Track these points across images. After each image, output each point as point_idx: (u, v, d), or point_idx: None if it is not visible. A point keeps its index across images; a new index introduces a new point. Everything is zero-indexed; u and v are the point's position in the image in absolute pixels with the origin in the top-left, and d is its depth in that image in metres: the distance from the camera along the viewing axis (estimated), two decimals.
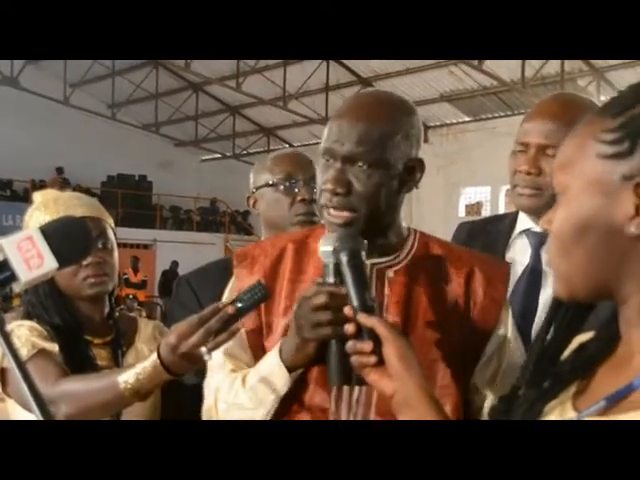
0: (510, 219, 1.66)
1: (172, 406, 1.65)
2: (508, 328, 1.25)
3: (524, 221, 1.60)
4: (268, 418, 1.18)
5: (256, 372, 1.21)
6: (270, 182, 1.79)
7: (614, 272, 0.71)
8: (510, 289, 1.56)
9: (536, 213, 1.51)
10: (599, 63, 12.14)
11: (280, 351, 1.17)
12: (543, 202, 1.46)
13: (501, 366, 1.23)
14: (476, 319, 1.23)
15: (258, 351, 1.24)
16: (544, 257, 1.53)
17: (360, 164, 1.17)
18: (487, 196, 15.33)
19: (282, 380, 1.17)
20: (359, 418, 1.16)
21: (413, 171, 1.22)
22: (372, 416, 1.16)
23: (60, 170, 17.37)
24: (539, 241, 1.55)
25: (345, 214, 1.18)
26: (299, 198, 1.75)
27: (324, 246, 1.12)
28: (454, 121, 15.58)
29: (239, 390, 1.21)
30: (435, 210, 14.91)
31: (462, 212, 15.29)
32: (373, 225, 1.20)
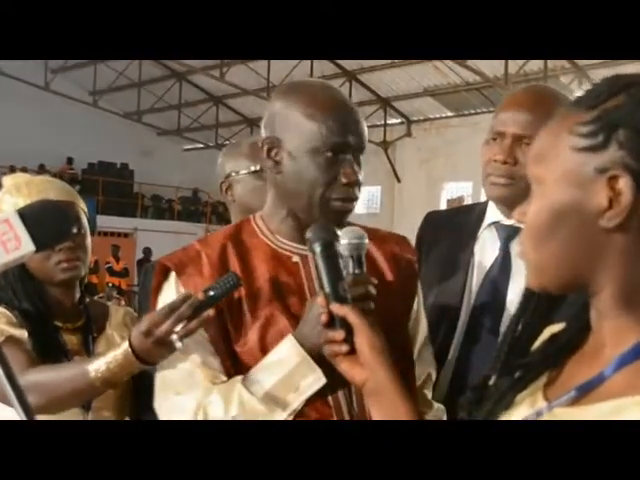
0: (479, 210, 1.64)
1: (142, 396, 1.64)
2: (420, 298, 1.41)
3: (493, 213, 1.58)
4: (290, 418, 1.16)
5: (265, 374, 1.17)
6: (252, 169, 1.77)
7: (587, 264, 0.71)
8: (479, 281, 1.57)
9: (509, 204, 1.49)
10: (581, 61, 12.24)
11: (302, 347, 1.15)
12: (516, 192, 1.44)
13: (418, 319, 1.39)
14: (401, 292, 1.34)
15: (225, 357, 1.21)
16: (513, 250, 1.52)
17: (359, 153, 1.25)
18: (469, 191, 15.41)
19: (312, 375, 1.15)
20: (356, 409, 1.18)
21: None
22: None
23: (70, 160, 17.22)
24: (508, 234, 1.54)
25: (355, 203, 1.26)
26: None
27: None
28: (437, 116, 15.63)
29: (246, 398, 1.15)
30: (417, 204, 14.96)
31: (444, 206, 15.36)
32: None
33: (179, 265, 1.25)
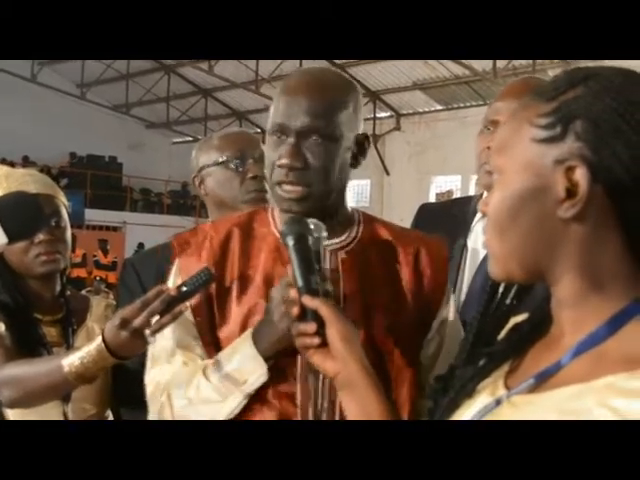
0: (474, 203, 1.64)
1: (121, 389, 1.65)
2: (450, 308, 1.30)
3: None
4: (237, 410, 1.16)
5: (223, 364, 1.18)
6: (220, 160, 1.77)
7: (546, 254, 0.72)
8: (472, 273, 1.58)
9: None
10: None
11: (255, 341, 1.15)
12: None
13: (443, 342, 1.28)
14: (424, 299, 1.26)
15: (209, 342, 1.22)
16: None
17: (314, 137, 1.17)
18: (458, 185, 15.45)
19: (259, 371, 1.15)
20: (326, 404, 1.18)
21: (363, 145, 1.25)
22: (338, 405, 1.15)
23: (74, 155, 17.15)
24: None
25: (300, 189, 1.18)
26: (250, 175, 1.73)
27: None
28: (426, 109, 15.63)
29: (202, 384, 1.17)
30: (406, 198, 14.98)
31: (433, 200, 15.38)
32: (325, 202, 1.21)
33: (182, 245, 1.27)
